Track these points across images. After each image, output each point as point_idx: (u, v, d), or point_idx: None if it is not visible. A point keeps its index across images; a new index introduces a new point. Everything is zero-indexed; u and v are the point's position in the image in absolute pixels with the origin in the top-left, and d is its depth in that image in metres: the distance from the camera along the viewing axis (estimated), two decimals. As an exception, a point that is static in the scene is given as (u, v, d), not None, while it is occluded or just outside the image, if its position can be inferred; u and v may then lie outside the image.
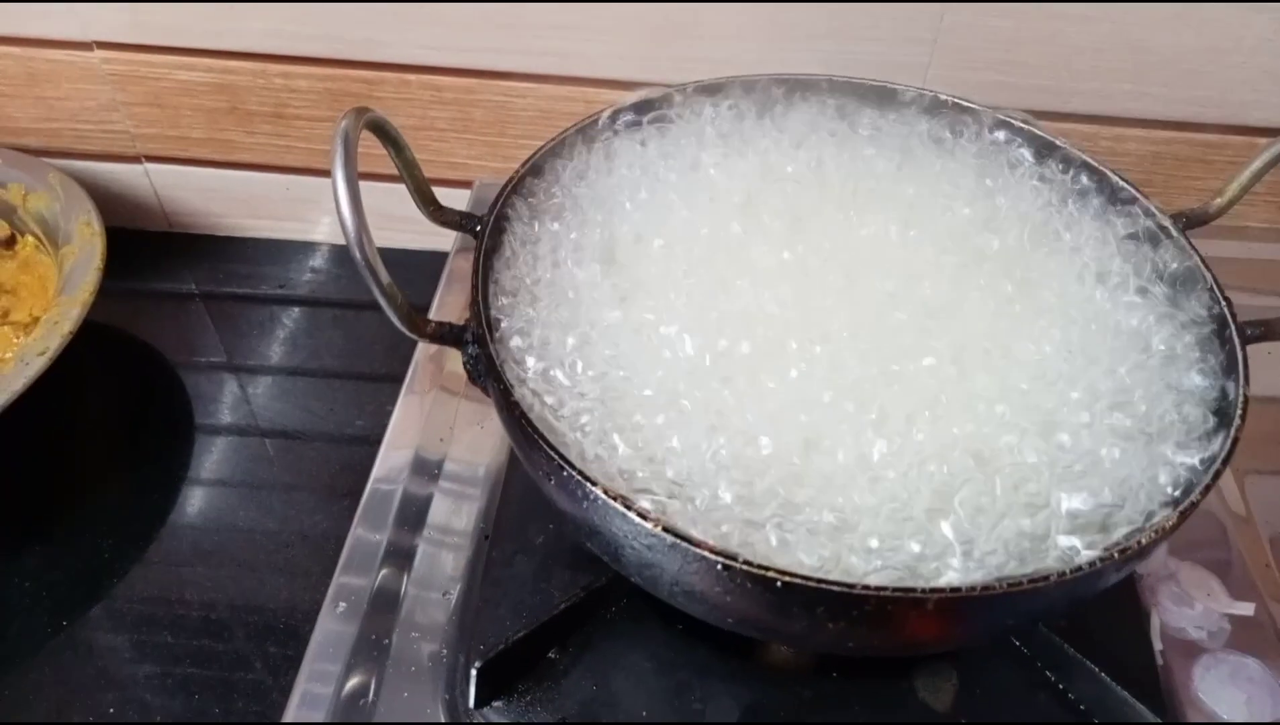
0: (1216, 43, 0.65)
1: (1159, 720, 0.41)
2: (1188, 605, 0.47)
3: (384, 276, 0.35)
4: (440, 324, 0.38)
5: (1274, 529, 0.52)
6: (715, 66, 0.65)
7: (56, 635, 0.55)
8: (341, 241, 0.82)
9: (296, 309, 0.78)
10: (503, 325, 0.42)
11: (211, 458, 0.65)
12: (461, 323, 0.39)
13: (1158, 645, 0.45)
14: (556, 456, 0.34)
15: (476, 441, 0.55)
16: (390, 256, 0.84)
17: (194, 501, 0.62)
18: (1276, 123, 0.69)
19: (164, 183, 0.80)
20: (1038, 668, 0.44)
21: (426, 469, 0.54)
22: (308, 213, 0.82)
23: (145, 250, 0.81)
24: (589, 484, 0.34)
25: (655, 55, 0.68)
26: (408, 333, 0.37)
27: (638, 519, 0.33)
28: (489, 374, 0.38)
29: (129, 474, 0.65)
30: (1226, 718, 0.44)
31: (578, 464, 0.34)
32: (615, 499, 0.33)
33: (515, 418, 0.36)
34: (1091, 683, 0.43)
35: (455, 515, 0.51)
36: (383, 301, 0.36)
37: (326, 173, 0.76)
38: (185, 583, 0.58)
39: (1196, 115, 0.70)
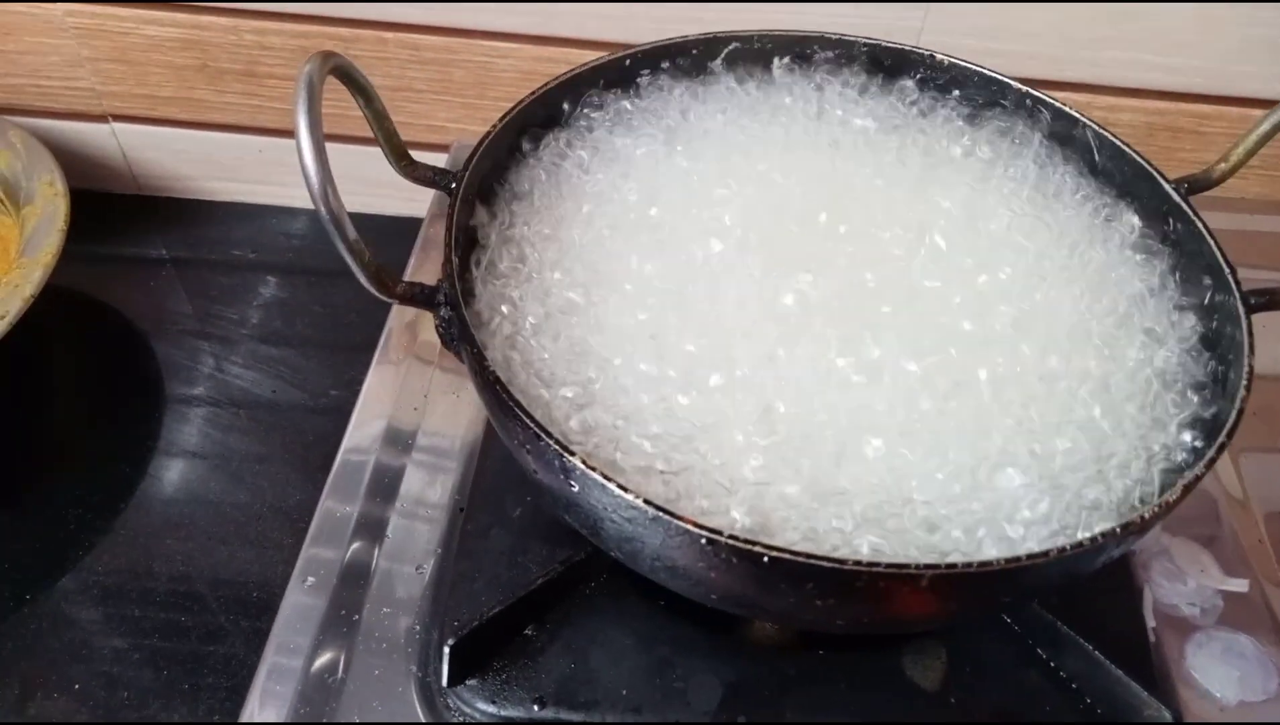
0: (1210, 11, 0.64)
1: (1151, 697, 0.40)
2: (1180, 581, 0.46)
3: (350, 232, 0.33)
4: (411, 284, 0.36)
5: (1268, 506, 0.51)
6: (702, 28, 0.63)
7: (21, 608, 0.53)
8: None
9: (270, 275, 0.76)
10: (477, 287, 0.40)
11: (181, 427, 0.64)
12: (434, 284, 0.37)
13: (1150, 622, 0.44)
14: (533, 425, 0.33)
15: (452, 411, 0.53)
16: (367, 222, 0.82)
17: (163, 472, 0.61)
18: (1270, 94, 0.68)
19: (132, 143, 0.77)
20: (1028, 644, 0.43)
21: (399, 440, 0.52)
22: (281, 176, 0.79)
23: (113, 213, 0.78)
24: (567, 454, 0.32)
25: (641, 15, 0.66)
26: (376, 293, 0.35)
27: (618, 491, 0.31)
28: (462, 338, 0.36)
29: (97, 443, 0.63)
30: (1219, 695, 0.43)
31: (555, 433, 0.33)
32: (595, 470, 0.31)
33: (489, 384, 0.34)
34: (1083, 659, 0.42)
35: (429, 487, 0.50)
36: (349, 259, 0.34)
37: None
38: (154, 555, 0.57)
39: (1191, 85, 0.69)
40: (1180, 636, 0.45)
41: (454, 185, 0.40)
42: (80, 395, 0.67)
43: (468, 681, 0.41)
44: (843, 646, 0.43)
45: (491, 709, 0.41)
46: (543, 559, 0.43)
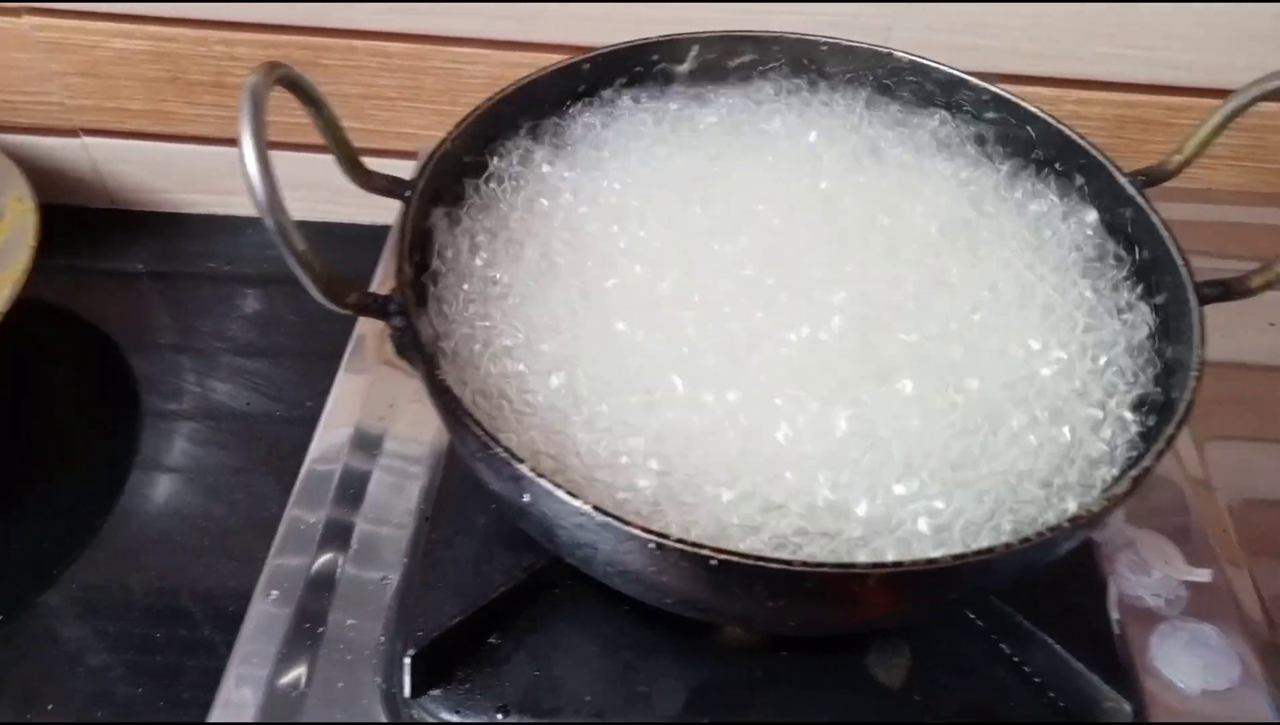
0: (1180, 4, 0.64)
1: (1111, 689, 0.40)
2: (1145, 573, 0.46)
3: (299, 243, 0.33)
4: (364, 294, 0.36)
5: (1233, 494, 0.51)
6: (675, 28, 0.63)
7: (-5, 626, 0.53)
8: (294, 217, 0.80)
9: (246, 287, 0.76)
10: (435, 294, 0.40)
11: (159, 441, 0.63)
12: (388, 293, 0.37)
13: (1114, 614, 0.44)
14: (481, 433, 0.33)
15: (419, 419, 0.53)
16: (341, 231, 0.82)
17: (141, 486, 0.61)
18: (1238, 85, 0.68)
19: (104, 157, 0.77)
20: (992, 640, 0.43)
21: (366, 447, 0.52)
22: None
23: (88, 227, 0.78)
24: (515, 462, 0.32)
25: (612, 18, 0.66)
26: (327, 304, 0.35)
27: (566, 498, 0.31)
28: (414, 347, 0.36)
29: (74, 458, 0.63)
30: (1182, 685, 0.43)
31: (504, 441, 0.33)
32: (543, 478, 0.31)
33: (440, 392, 0.34)
34: (1046, 654, 0.42)
35: (395, 495, 0.50)
36: (298, 270, 0.34)
37: (274, 145, 0.75)
38: (131, 570, 0.57)
39: (1161, 77, 0.69)
40: (1146, 628, 0.45)
41: (408, 193, 0.40)
42: (57, 409, 0.66)
43: (431, 692, 0.41)
44: (807, 647, 0.43)
45: (455, 719, 0.41)
46: (507, 567, 0.43)
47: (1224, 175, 0.74)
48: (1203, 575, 0.46)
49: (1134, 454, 0.37)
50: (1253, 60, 0.66)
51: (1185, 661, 0.43)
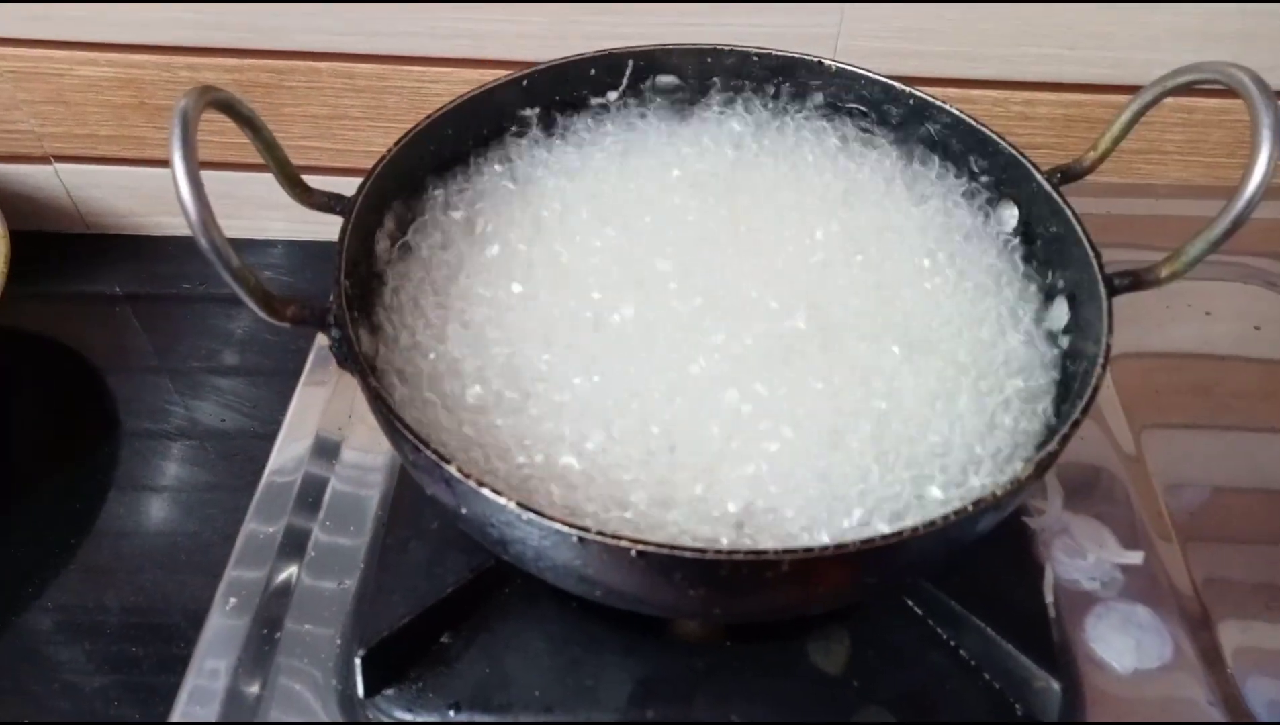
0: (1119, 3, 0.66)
1: (1040, 669, 0.41)
2: (1080, 557, 0.47)
3: (234, 260, 0.35)
4: (302, 307, 0.37)
5: (1168, 478, 0.52)
6: (626, 42, 0.64)
7: (-28, 646, 0.54)
8: (263, 237, 0.81)
9: (221, 306, 0.77)
10: (379, 304, 0.42)
11: (135, 461, 0.64)
12: (325, 306, 0.39)
13: (1049, 598, 0.46)
14: (411, 437, 0.34)
15: (376, 428, 0.54)
16: (319, 249, 0.82)
17: (117, 506, 0.62)
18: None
19: (76, 182, 0.79)
20: (929, 626, 0.44)
21: (324, 459, 0.53)
22: (227, 208, 0.79)
23: (64, 253, 0.79)
24: (444, 464, 0.33)
25: (566, 33, 0.67)
26: (265, 317, 0.36)
27: (491, 496, 0.32)
28: (351, 357, 0.37)
29: (52, 479, 0.64)
30: (1117, 665, 0.44)
31: (434, 445, 0.34)
32: (469, 478, 0.33)
33: (373, 399, 0.35)
34: (979, 638, 0.43)
35: (352, 503, 0.51)
36: (235, 286, 0.35)
37: (240, 167, 0.76)
38: (106, 588, 0.57)
39: (1104, 77, 0.70)
40: (1082, 610, 0.46)
41: (347, 209, 0.42)
42: (36, 432, 0.67)
43: (385, 691, 0.42)
44: (750, 638, 0.44)
45: (408, 717, 0.42)
46: (457, 568, 0.44)
47: (1173, 170, 0.75)
48: (1134, 558, 0.47)
49: (1035, 441, 0.38)
50: (1184, 56, 0.68)
51: (1118, 641, 0.44)
